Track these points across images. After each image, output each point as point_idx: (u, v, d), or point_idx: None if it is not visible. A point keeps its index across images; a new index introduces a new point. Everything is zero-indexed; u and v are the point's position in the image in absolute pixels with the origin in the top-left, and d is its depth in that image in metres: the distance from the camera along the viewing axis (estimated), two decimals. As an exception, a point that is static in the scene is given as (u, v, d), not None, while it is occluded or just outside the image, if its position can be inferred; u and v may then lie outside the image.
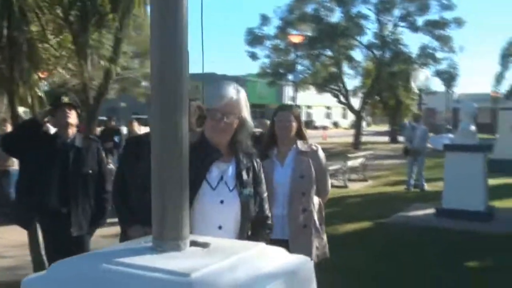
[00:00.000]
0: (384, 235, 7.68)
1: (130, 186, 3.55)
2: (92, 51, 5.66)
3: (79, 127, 4.35)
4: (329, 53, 28.71)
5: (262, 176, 2.72)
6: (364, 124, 64.80)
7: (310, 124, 56.11)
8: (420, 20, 28.47)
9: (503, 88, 45.10)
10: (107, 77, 5.95)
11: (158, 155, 1.72)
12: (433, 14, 28.18)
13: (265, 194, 2.72)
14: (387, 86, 30.28)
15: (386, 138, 38.74)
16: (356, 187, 13.44)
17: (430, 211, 8.95)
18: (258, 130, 5.74)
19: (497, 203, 9.20)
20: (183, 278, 1.46)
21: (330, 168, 13.75)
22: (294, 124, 3.86)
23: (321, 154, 3.93)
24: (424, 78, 21.36)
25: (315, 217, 3.82)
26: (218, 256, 1.64)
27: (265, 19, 27.57)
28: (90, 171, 4.07)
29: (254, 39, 27.59)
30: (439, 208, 8.70)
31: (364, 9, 28.37)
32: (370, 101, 32.40)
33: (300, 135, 3.93)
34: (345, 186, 13.28)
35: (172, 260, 1.60)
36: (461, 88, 41.21)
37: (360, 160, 14.88)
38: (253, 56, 28.22)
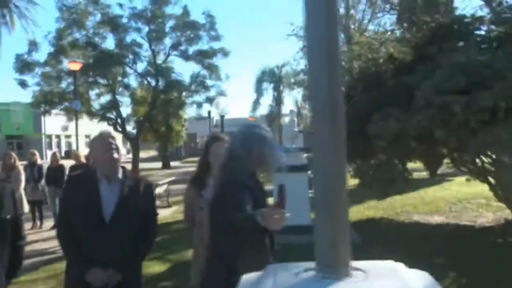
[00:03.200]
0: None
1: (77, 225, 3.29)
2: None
3: None
4: (103, 81, 28.16)
5: None
6: (124, 151, 64.61)
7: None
8: (191, 50, 29.71)
9: (259, 112, 49.73)
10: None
11: (328, 181, 1.72)
12: (203, 44, 29.67)
13: None
14: (162, 113, 30.83)
15: (155, 164, 39.23)
16: (164, 214, 13.45)
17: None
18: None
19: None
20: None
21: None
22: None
23: None
24: (224, 104, 22.40)
25: None
26: (389, 278, 1.72)
27: (33, 45, 25.85)
28: (8, 216, 3.50)
29: (23, 66, 25.61)
30: (271, 225, 9.25)
31: (137, 37, 28.56)
32: (143, 129, 32.44)
33: None
34: (156, 214, 13.16)
35: (372, 283, 1.63)
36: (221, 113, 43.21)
37: (165, 187, 14.94)
38: (23, 84, 26.15)
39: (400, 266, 1.89)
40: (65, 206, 3.45)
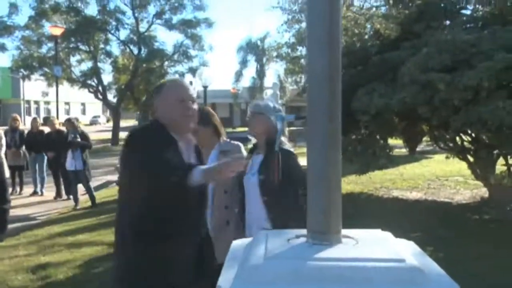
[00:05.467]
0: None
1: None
2: None
3: None
4: (84, 47, 27.76)
5: None
6: (104, 120, 64.07)
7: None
8: (175, 19, 29.43)
9: (241, 85, 49.54)
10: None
11: (322, 150, 1.74)
12: (187, 14, 29.41)
13: None
14: (143, 82, 30.59)
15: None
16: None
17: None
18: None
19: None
20: (403, 264, 1.57)
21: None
22: (205, 130, 3.72)
23: (244, 152, 3.89)
24: (207, 75, 22.19)
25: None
26: (379, 246, 1.75)
27: (14, 7, 25.27)
28: (-7, 179, 3.48)
29: (3, 28, 25.08)
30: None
31: (121, 4, 28.18)
32: (124, 97, 32.15)
33: (217, 133, 3.91)
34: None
35: (363, 250, 1.67)
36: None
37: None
38: (2, 47, 25.65)
39: (389, 235, 1.93)
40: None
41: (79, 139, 9.83)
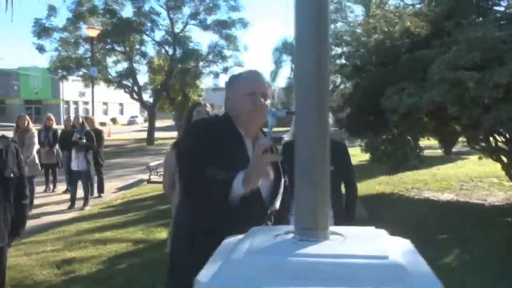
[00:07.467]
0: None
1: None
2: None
3: None
4: (120, 48, 28.23)
5: None
6: (142, 120, 64.93)
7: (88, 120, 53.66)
8: (209, 19, 29.61)
9: (277, 85, 49.55)
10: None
11: (310, 146, 1.72)
12: (222, 14, 29.55)
13: None
14: (179, 82, 30.85)
15: (170, 134, 39.27)
16: (176, 182, 13.49)
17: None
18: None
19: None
20: (386, 260, 1.52)
21: (152, 164, 13.64)
22: None
23: None
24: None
25: None
26: (366, 242, 1.71)
27: (52, 10, 25.90)
28: (12, 175, 3.56)
29: (42, 30, 25.73)
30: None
31: (156, 5, 28.54)
32: (160, 97, 32.51)
33: None
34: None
35: (348, 247, 1.63)
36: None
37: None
38: (41, 49, 26.32)
39: (382, 232, 1.89)
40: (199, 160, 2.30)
41: (84, 140, 9.89)
